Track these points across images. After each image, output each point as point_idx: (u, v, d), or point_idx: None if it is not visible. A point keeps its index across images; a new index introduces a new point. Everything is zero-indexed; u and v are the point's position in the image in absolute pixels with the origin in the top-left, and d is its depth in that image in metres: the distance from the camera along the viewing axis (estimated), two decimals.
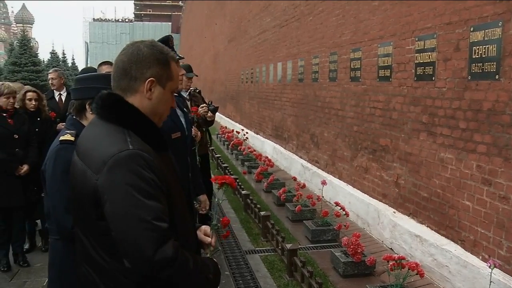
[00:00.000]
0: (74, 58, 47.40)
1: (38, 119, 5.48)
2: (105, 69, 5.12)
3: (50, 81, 6.79)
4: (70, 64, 44.96)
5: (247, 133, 13.90)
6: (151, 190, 1.54)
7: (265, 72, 12.65)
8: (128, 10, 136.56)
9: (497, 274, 3.63)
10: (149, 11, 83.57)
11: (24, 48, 28.71)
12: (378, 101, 5.98)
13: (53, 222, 2.46)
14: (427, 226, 4.86)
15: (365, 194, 6.31)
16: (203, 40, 30.38)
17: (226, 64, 20.52)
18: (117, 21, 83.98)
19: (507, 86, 3.77)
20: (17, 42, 31.75)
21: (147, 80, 1.69)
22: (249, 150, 11.63)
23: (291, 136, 10.19)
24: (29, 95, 5.44)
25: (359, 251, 4.65)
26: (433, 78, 4.77)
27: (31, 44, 31.71)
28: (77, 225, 1.74)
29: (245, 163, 10.81)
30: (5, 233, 4.97)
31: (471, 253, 4.16)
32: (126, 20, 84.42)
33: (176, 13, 66.24)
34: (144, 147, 1.61)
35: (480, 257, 4.03)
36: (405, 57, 5.34)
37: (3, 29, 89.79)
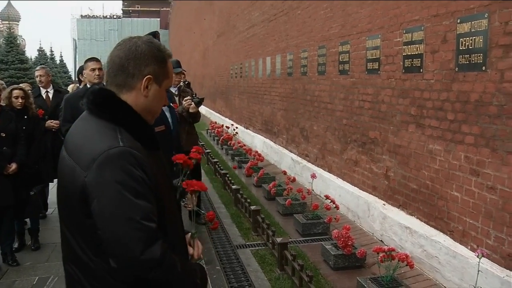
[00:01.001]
0: (62, 55, 46.85)
1: (25, 117, 5.43)
2: (91, 66, 5.10)
3: (37, 79, 6.72)
4: (58, 62, 44.51)
5: (237, 128, 13.89)
6: (141, 189, 1.51)
7: (254, 67, 12.62)
8: (116, 6, 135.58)
9: (485, 263, 3.66)
10: (138, 7, 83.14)
11: (10, 46, 28.30)
12: (367, 94, 5.99)
13: None
14: (417, 218, 4.89)
15: (355, 187, 6.34)
16: (192, 35, 30.24)
17: (216, 59, 20.45)
18: (105, 17, 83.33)
19: (494, 77, 3.79)
20: (3, 40, 31.30)
21: (145, 78, 1.66)
22: (239, 145, 11.64)
23: (280, 130, 10.19)
24: (15, 93, 5.39)
25: (349, 243, 4.67)
26: (421, 70, 4.78)
27: (18, 42, 31.32)
28: (64, 222, 1.69)
29: (235, 158, 10.82)
30: None
31: (460, 244, 4.19)
32: (114, 17, 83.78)
33: (165, 9, 65.94)
34: (135, 145, 1.58)
35: (469, 247, 4.06)
36: (393, 50, 5.35)
37: None
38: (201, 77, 25.97)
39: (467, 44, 4.10)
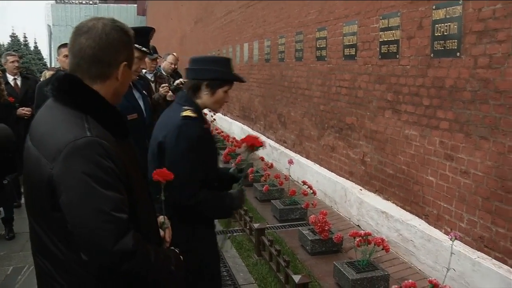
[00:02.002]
0: (36, 41, 45.76)
1: None
2: (64, 52, 5.00)
3: (12, 64, 6.54)
4: (32, 48, 43.50)
5: (214, 114, 13.81)
6: (110, 179, 1.46)
7: (232, 53, 12.53)
8: None
9: (458, 246, 3.73)
10: None
11: None
12: (344, 80, 6.01)
13: (172, 195, 2.21)
14: (393, 203, 4.95)
15: (332, 173, 6.38)
16: (170, 22, 29.84)
17: (193, 46, 20.23)
18: (81, 3, 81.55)
19: (468, 63, 3.83)
20: None
21: (121, 65, 1.62)
22: (217, 131, 11.58)
23: (258, 116, 10.18)
24: None
25: (326, 228, 4.71)
26: (397, 56, 4.81)
27: None
28: (31, 214, 1.63)
29: None
30: None
31: (434, 227, 4.26)
32: (91, 2, 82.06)
33: None
34: (103, 134, 1.52)
35: (443, 231, 4.13)
36: (369, 36, 5.36)
37: None
38: (179, 64, 25.65)
39: (442, 30, 4.12)
